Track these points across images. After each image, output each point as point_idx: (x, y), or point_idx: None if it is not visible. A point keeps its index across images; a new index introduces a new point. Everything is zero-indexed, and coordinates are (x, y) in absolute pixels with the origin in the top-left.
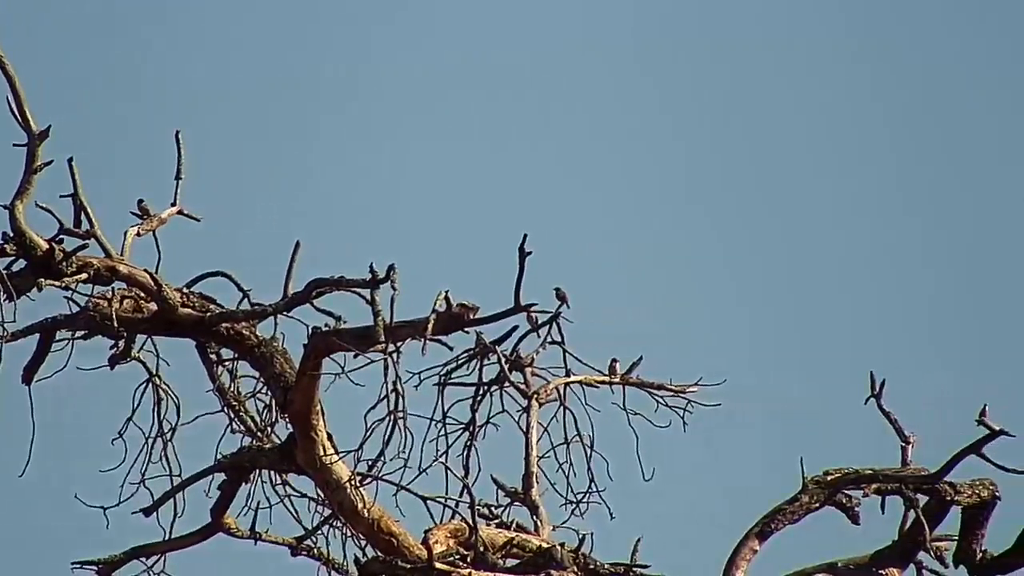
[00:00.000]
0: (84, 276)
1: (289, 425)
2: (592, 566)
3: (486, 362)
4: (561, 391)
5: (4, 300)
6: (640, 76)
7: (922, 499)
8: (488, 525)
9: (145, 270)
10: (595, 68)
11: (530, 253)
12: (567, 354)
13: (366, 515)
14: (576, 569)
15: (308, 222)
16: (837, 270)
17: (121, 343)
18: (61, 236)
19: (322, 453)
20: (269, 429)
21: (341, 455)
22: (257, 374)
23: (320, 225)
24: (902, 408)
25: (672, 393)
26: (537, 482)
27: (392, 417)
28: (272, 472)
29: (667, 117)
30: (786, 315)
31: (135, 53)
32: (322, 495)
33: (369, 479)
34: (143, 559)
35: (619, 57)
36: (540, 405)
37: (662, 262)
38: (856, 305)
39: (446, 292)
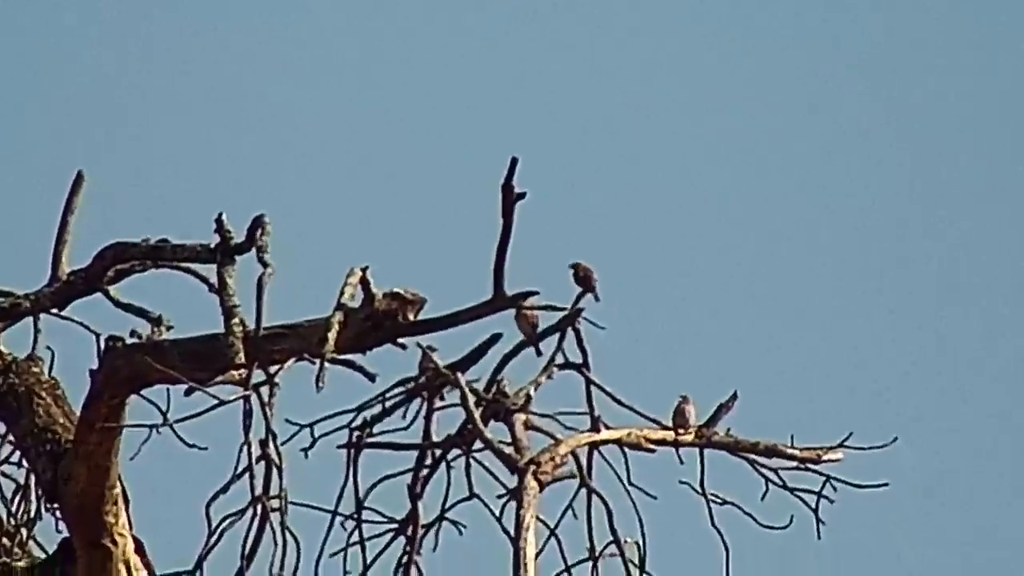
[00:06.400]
0: None
1: (63, 524)
2: None
3: (439, 404)
4: (583, 459)
5: None
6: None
7: None
8: None
9: None
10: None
11: (523, 196)
12: (594, 387)
13: None
14: None
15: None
16: None
17: None
18: None
19: None
20: (24, 532)
21: None
22: (1, 427)
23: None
24: None
25: (796, 463)
26: None
27: (260, 508)
28: None
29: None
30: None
31: None
32: None
33: None
34: None
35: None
36: (543, 486)
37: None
38: None
39: (363, 271)
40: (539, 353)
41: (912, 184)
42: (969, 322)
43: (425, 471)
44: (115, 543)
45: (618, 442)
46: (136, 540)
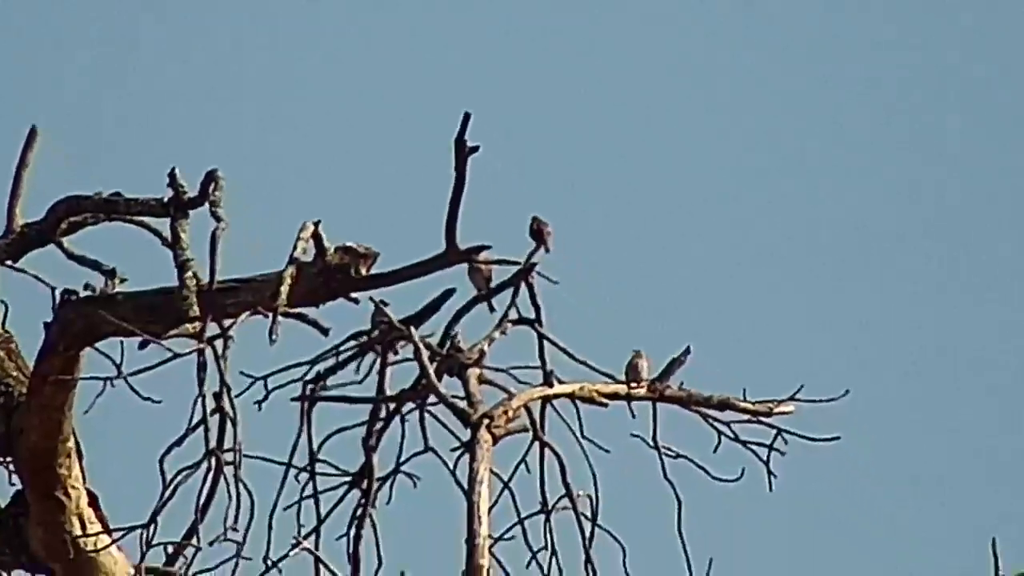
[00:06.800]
0: None
1: (16, 476)
2: None
3: (393, 358)
4: (536, 413)
5: None
6: None
7: None
8: None
9: None
10: None
11: (475, 150)
12: (546, 341)
13: None
14: None
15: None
16: None
17: None
18: None
19: (78, 530)
20: None
21: (117, 534)
22: None
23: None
24: None
25: (748, 416)
26: None
27: (214, 461)
28: None
29: None
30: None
31: None
32: None
33: None
34: None
35: None
36: (496, 439)
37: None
38: None
39: (316, 225)
40: (492, 308)
41: (867, 139)
42: (922, 276)
43: (379, 424)
44: (68, 496)
45: (571, 396)
46: (90, 493)
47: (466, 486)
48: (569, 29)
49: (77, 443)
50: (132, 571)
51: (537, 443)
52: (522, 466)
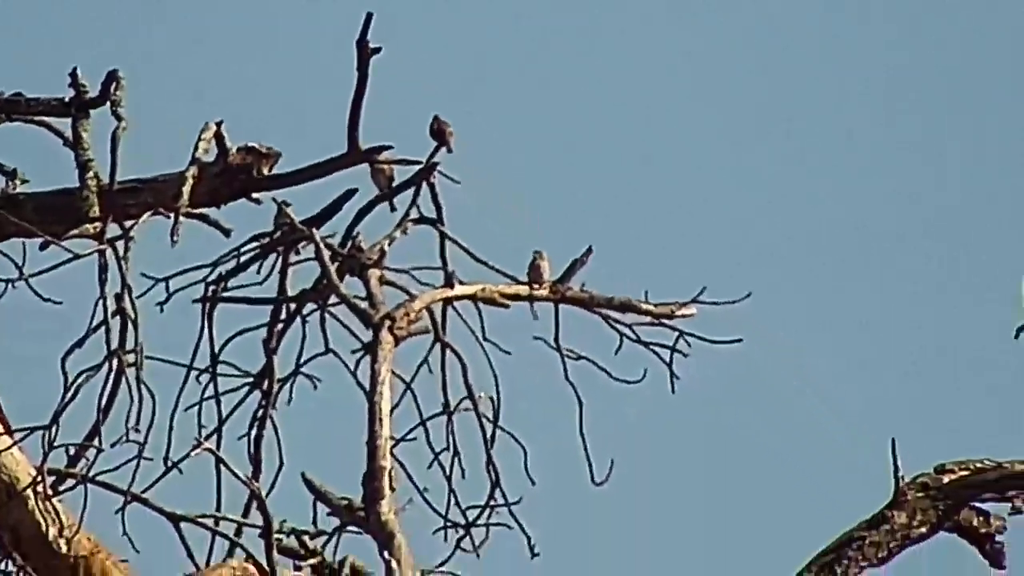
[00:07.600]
0: None
1: None
2: None
3: (294, 259)
4: (438, 315)
5: None
6: None
7: None
8: (299, 570)
9: None
10: None
11: (377, 51)
12: (448, 241)
13: (64, 550)
14: None
15: None
16: None
17: None
18: None
19: None
20: None
21: (18, 435)
22: None
23: None
24: None
25: (650, 319)
26: (392, 487)
27: (116, 362)
28: None
29: None
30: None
31: None
32: None
33: (72, 481)
34: None
35: None
36: (398, 341)
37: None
38: None
39: (218, 125)
40: (393, 208)
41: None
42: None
43: (280, 326)
44: None
45: (472, 297)
46: None
47: (367, 388)
48: None
49: None
50: (34, 472)
51: (439, 345)
52: (424, 368)
